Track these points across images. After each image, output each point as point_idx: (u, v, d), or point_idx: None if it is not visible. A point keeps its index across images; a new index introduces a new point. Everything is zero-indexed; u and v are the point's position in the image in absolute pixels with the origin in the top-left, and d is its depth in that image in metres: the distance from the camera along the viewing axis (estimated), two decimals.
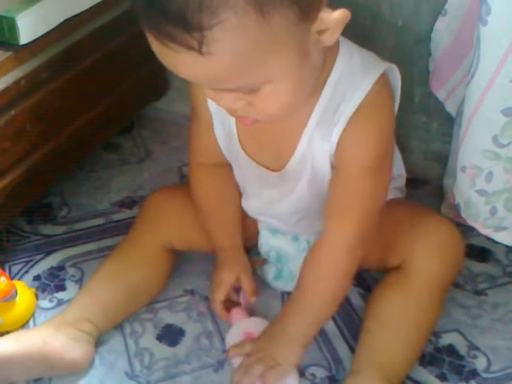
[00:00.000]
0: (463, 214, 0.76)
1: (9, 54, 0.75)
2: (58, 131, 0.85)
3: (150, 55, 1.05)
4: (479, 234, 0.82)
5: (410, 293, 0.70)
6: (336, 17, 0.54)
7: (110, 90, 0.93)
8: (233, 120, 0.69)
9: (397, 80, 0.65)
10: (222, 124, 0.71)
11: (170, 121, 1.10)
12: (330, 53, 0.62)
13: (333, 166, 0.66)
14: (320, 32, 0.55)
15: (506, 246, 0.84)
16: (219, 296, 0.75)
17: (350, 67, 0.62)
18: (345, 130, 0.62)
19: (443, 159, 0.91)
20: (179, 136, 1.07)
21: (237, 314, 0.75)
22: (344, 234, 0.66)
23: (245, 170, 0.73)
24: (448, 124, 0.87)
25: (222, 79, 0.53)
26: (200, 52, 0.50)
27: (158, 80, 1.05)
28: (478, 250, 0.85)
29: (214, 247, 0.78)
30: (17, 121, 0.77)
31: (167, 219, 0.78)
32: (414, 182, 0.90)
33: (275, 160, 0.69)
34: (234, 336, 0.73)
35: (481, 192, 0.72)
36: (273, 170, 0.70)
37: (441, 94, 0.84)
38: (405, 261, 0.72)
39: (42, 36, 0.78)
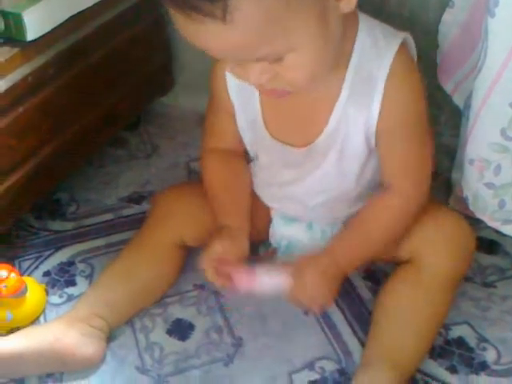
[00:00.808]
0: (471, 207, 0.76)
1: (16, 50, 0.75)
2: (65, 127, 0.85)
3: (156, 51, 1.06)
4: (487, 227, 0.81)
5: (420, 286, 0.70)
6: None
7: (116, 86, 0.93)
8: (257, 102, 0.70)
9: (413, 49, 0.68)
10: (244, 112, 0.72)
11: (176, 116, 1.11)
12: (351, 24, 0.64)
13: (377, 134, 0.67)
14: None
15: None
16: (210, 254, 0.71)
17: (373, 37, 0.64)
18: (384, 96, 0.64)
19: (452, 152, 0.90)
20: (186, 131, 1.08)
21: (243, 276, 0.69)
22: (413, 191, 0.70)
23: (269, 153, 0.73)
24: (457, 117, 0.87)
25: (246, 48, 0.54)
26: (224, 20, 0.51)
27: (163, 76, 1.05)
28: (487, 243, 0.85)
29: (219, 225, 0.75)
30: (24, 117, 0.77)
31: (178, 216, 0.78)
32: None
33: (302, 136, 0.70)
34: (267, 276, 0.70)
35: (489, 185, 0.71)
36: (299, 147, 0.70)
37: (448, 87, 0.83)
38: (414, 254, 0.72)
39: (48, 32, 0.78)
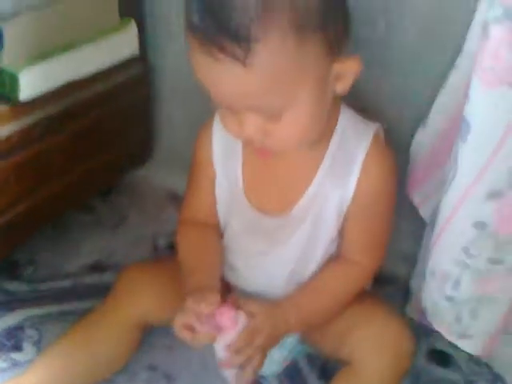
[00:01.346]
0: (429, 318, 0.78)
1: (5, 108, 0.76)
2: (39, 189, 0.85)
3: (137, 125, 1.08)
4: (442, 339, 0.83)
5: None
6: (351, 63, 0.63)
7: (94, 154, 0.94)
8: (239, 170, 0.73)
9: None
10: (226, 177, 0.74)
11: (147, 189, 1.11)
12: (336, 106, 0.70)
13: (348, 210, 0.71)
14: (336, 78, 0.63)
15: (468, 354, 0.84)
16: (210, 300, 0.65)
17: (353, 121, 0.71)
18: (360, 176, 0.69)
19: (411, 259, 0.93)
20: (155, 206, 1.08)
21: (225, 313, 0.65)
22: (371, 264, 0.75)
23: (243, 221, 0.74)
24: (419, 225, 0.90)
25: (255, 93, 0.58)
26: (244, 63, 0.55)
27: (141, 150, 1.07)
28: (440, 355, 0.86)
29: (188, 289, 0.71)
30: (2, 174, 0.77)
31: (142, 294, 0.77)
32: (380, 279, 0.92)
33: (279, 205, 0.72)
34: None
35: (448, 298, 0.73)
36: (274, 216, 0.72)
37: (415, 198, 0.87)
38: (353, 354, 0.71)
39: (40, 95, 0.79)
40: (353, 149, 0.70)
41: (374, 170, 0.70)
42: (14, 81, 0.76)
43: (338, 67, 0.62)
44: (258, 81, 0.57)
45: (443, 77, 0.77)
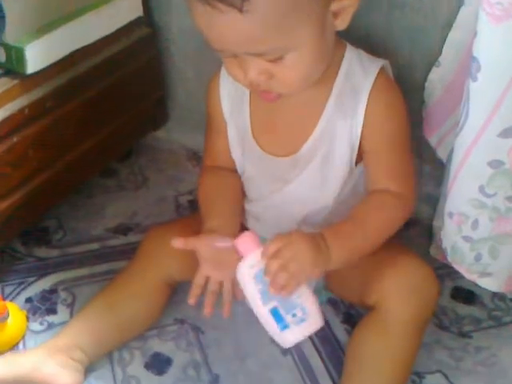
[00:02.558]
0: (449, 259, 0.78)
1: (15, 82, 0.78)
2: (58, 158, 0.87)
3: (151, 87, 1.08)
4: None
5: (385, 334, 0.71)
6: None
7: (111, 120, 0.95)
8: (247, 116, 0.74)
9: (391, 74, 0.74)
10: (235, 125, 0.76)
11: (167, 150, 1.12)
12: (341, 44, 0.71)
13: (362, 142, 0.71)
14: (335, 14, 0.63)
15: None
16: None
17: (358, 56, 0.72)
18: (367, 107, 0.69)
19: (434, 201, 0.93)
20: (176, 165, 1.09)
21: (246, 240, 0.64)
22: (405, 191, 0.73)
23: (256, 164, 0.76)
24: (439, 167, 0.89)
25: (255, 39, 0.59)
26: (241, 10, 0.56)
27: (157, 111, 1.07)
28: (465, 293, 0.87)
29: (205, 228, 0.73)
30: (19, 147, 0.79)
31: (168, 252, 0.78)
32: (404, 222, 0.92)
33: (289, 146, 0.73)
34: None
35: (467, 238, 0.74)
36: (285, 157, 0.74)
37: (432, 140, 0.86)
38: (380, 301, 0.72)
39: (48, 66, 0.80)
40: (359, 83, 0.70)
41: (381, 100, 0.70)
42: (20, 55, 0.77)
43: (335, 5, 0.62)
44: (256, 26, 0.58)
45: (453, 15, 0.75)
